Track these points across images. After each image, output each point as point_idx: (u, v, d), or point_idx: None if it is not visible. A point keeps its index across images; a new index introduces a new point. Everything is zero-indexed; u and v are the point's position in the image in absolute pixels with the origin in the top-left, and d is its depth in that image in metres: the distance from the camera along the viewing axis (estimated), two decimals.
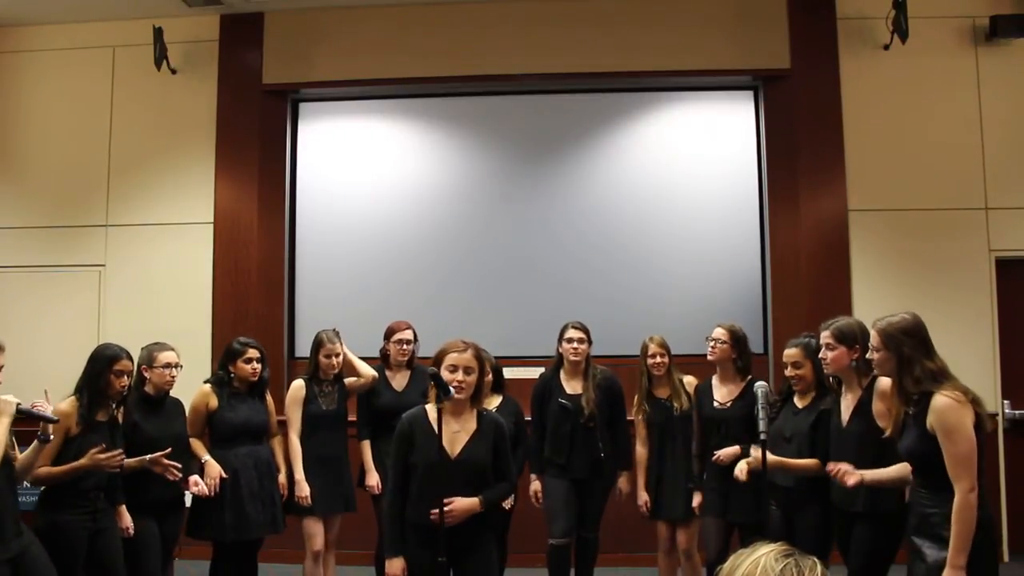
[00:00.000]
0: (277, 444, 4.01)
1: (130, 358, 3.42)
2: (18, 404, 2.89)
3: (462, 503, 2.78)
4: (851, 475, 2.84)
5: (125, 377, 3.36)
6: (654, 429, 4.04)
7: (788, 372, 3.43)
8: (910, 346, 2.59)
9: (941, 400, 2.48)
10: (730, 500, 3.68)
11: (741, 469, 3.46)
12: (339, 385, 4.12)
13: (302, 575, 4.04)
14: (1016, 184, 5.36)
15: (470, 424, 2.87)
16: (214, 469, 3.67)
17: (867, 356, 2.79)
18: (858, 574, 2.99)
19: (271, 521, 3.81)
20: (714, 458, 3.70)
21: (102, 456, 3.13)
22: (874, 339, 2.69)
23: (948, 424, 2.45)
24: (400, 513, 2.85)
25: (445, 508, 2.73)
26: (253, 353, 3.86)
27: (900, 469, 2.75)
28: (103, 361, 3.33)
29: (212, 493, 3.63)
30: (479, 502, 2.81)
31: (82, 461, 3.13)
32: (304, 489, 3.90)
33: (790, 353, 3.45)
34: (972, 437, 2.45)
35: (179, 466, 3.44)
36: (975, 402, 2.50)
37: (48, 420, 3.01)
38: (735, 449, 3.63)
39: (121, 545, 3.34)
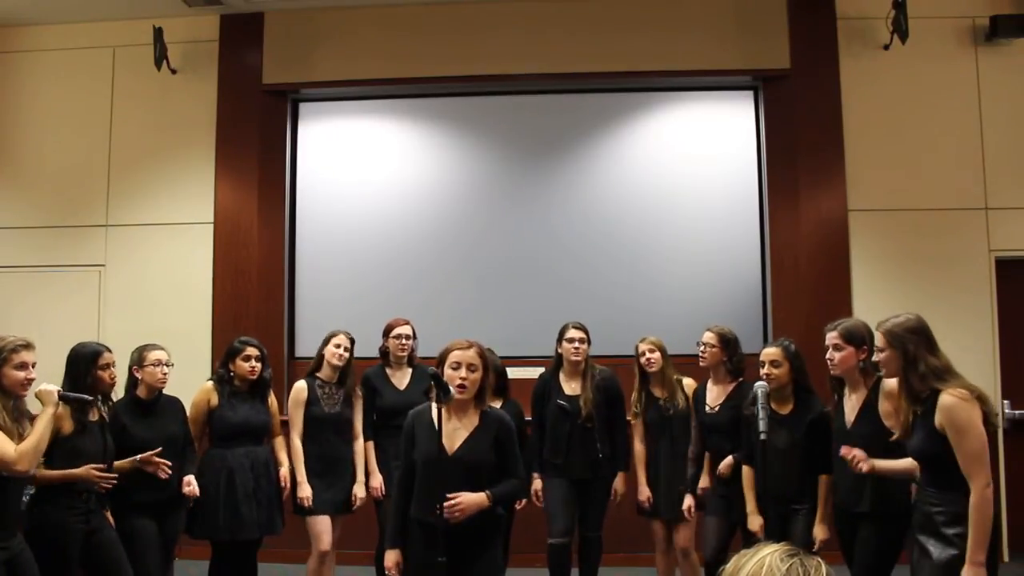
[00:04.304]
0: (279, 444, 4.01)
1: (110, 351, 3.41)
2: (59, 391, 3.00)
3: (469, 497, 2.71)
4: (864, 462, 2.83)
5: (111, 368, 3.37)
6: (650, 428, 4.07)
7: (764, 370, 3.39)
8: (914, 343, 2.58)
9: (948, 399, 2.47)
10: (734, 502, 3.67)
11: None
12: (342, 387, 4.12)
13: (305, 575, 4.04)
14: (1016, 184, 5.36)
15: (472, 421, 2.84)
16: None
17: (872, 358, 2.78)
18: (864, 574, 2.98)
19: (267, 522, 3.79)
20: (718, 473, 3.75)
21: (97, 474, 3.15)
22: (879, 340, 2.69)
23: (958, 422, 2.44)
24: (403, 508, 2.85)
25: (451, 503, 2.68)
26: (251, 351, 3.85)
27: (910, 462, 2.74)
28: (87, 359, 3.32)
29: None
30: (487, 497, 2.74)
31: (78, 471, 3.13)
32: (305, 490, 3.90)
33: (769, 352, 3.44)
34: (983, 433, 2.45)
35: (169, 464, 3.43)
36: (981, 399, 2.49)
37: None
38: (729, 460, 3.70)
39: (119, 544, 3.32)
